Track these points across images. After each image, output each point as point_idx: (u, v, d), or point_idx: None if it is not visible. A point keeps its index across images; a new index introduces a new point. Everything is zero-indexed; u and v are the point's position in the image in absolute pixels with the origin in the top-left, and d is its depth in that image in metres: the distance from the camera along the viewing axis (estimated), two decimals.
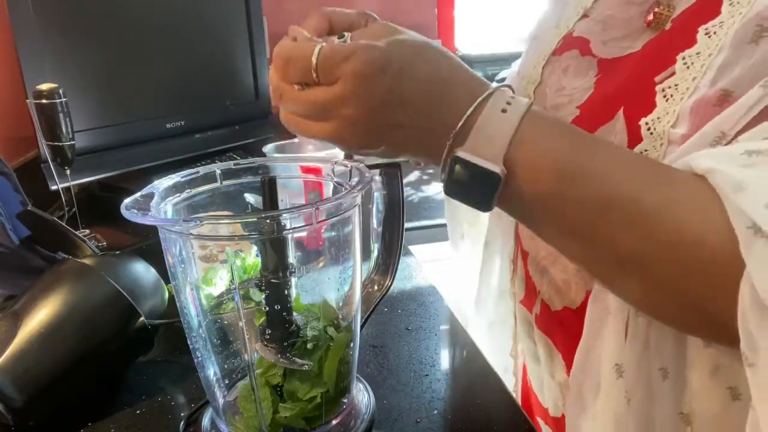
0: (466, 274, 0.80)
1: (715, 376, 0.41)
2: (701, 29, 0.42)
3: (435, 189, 1.40)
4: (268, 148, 0.92)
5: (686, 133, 0.40)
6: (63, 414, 0.51)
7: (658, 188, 0.36)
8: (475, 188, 0.38)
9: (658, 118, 0.42)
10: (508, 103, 0.38)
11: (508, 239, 0.66)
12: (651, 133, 0.42)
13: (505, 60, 1.24)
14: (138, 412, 0.52)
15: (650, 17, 0.48)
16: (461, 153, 0.37)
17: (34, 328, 0.50)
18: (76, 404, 0.52)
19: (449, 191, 0.40)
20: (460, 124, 0.38)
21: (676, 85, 0.42)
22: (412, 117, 0.39)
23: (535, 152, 0.37)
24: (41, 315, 0.51)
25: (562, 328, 0.56)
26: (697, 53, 0.42)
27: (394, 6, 1.80)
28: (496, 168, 0.36)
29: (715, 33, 0.41)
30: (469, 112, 0.38)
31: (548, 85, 0.55)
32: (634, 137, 0.43)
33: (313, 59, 0.38)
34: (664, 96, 0.42)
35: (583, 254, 0.39)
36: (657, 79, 0.44)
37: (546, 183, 0.37)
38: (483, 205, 0.39)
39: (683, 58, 0.42)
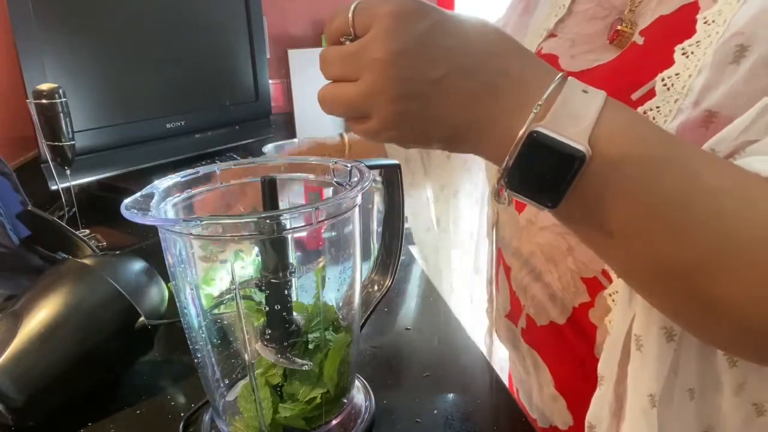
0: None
1: (740, 393, 0.41)
2: (677, 49, 0.42)
3: None
4: (268, 148, 0.92)
5: None
6: (63, 414, 0.51)
7: (735, 193, 0.33)
8: (552, 172, 0.33)
9: None
10: (585, 88, 0.34)
11: (487, 262, 0.67)
12: None
13: None
14: (138, 412, 0.52)
15: (612, 35, 0.49)
16: (542, 129, 0.33)
17: (34, 328, 0.50)
18: (76, 404, 0.52)
19: (516, 176, 0.34)
20: (544, 96, 0.33)
21: (657, 108, 0.42)
22: (456, 74, 0.34)
23: (620, 135, 0.33)
24: (41, 315, 0.51)
25: (548, 342, 0.56)
26: (677, 74, 0.41)
27: None
28: (581, 147, 0.32)
29: (692, 53, 0.41)
30: (553, 86, 0.34)
31: None
32: None
33: (351, 7, 0.37)
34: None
35: (641, 267, 0.35)
36: (633, 97, 0.44)
37: (630, 168, 0.33)
38: (554, 193, 0.34)
39: (662, 80, 0.42)
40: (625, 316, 0.43)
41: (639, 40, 0.47)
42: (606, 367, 0.45)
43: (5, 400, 0.48)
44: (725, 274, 0.32)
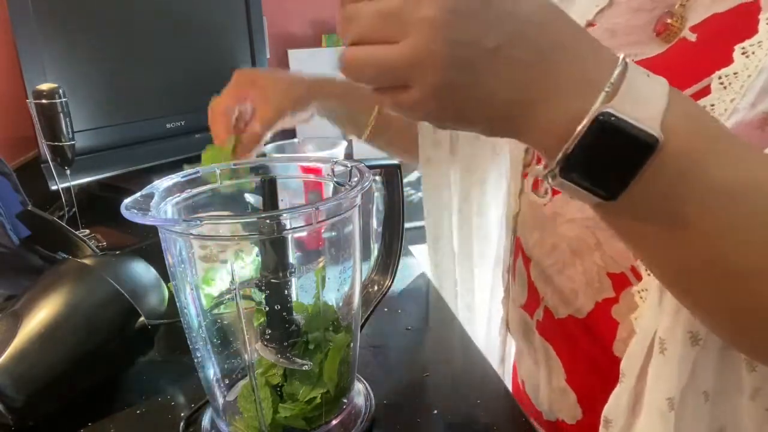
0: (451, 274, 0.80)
1: (755, 398, 0.40)
2: (737, 48, 0.40)
3: None
4: (268, 148, 0.92)
5: None
6: (63, 414, 0.51)
7: None
8: (619, 159, 0.30)
9: None
10: (648, 73, 0.32)
11: (505, 251, 0.66)
12: None
13: None
14: (138, 412, 0.52)
15: (660, 27, 0.48)
16: (613, 111, 0.30)
17: (34, 328, 0.50)
18: (76, 404, 0.52)
19: (577, 163, 0.31)
20: (615, 74, 0.31)
21: (712, 105, 0.40)
22: (511, 44, 0.31)
23: (690, 124, 0.31)
24: (41, 315, 0.51)
25: (564, 335, 0.56)
26: (735, 73, 0.40)
27: None
28: (655, 132, 0.30)
29: (753, 53, 0.40)
30: (620, 67, 0.31)
31: None
32: None
33: None
34: None
35: (704, 256, 0.33)
36: (686, 94, 0.42)
37: (700, 159, 0.31)
38: (617, 183, 0.31)
39: (719, 78, 0.40)
40: (654, 316, 0.42)
41: (690, 36, 0.46)
42: (629, 364, 0.44)
43: (5, 400, 0.48)
44: None
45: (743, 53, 0.40)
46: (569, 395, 0.56)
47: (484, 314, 0.79)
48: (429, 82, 0.32)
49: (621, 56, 0.32)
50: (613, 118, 0.30)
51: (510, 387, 0.71)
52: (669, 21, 0.47)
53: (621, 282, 0.49)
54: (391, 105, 0.34)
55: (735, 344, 0.39)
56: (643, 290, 0.46)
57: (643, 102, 0.31)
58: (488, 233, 0.78)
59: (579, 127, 0.30)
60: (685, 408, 0.41)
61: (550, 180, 0.33)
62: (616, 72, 0.31)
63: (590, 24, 0.55)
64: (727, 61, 0.41)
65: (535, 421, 0.62)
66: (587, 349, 0.53)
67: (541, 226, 0.56)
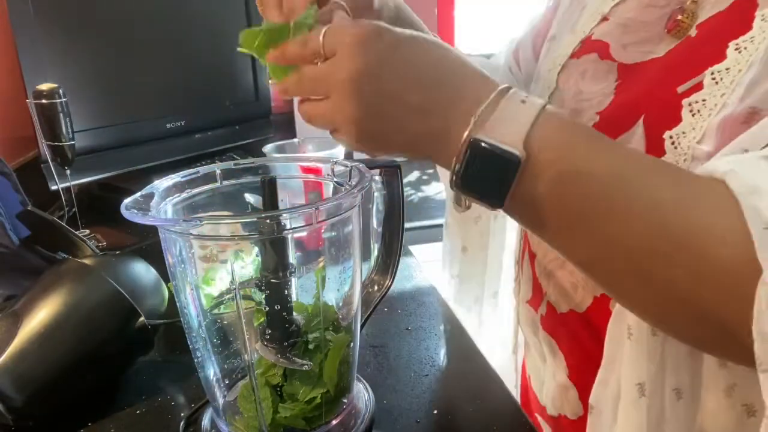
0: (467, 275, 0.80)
1: (731, 395, 0.41)
2: (731, 44, 0.41)
3: (435, 189, 1.40)
4: (268, 148, 0.92)
5: (711, 150, 0.39)
6: (63, 414, 0.51)
7: (675, 187, 0.35)
8: (492, 175, 0.37)
9: (684, 132, 0.41)
10: (524, 99, 0.38)
11: (516, 242, 0.66)
12: (675, 148, 0.41)
13: None
14: (138, 412, 0.52)
15: (671, 24, 0.48)
16: (480, 136, 0.36)
17: (34, 328, 0.50)
18: (76, 404, 0.52)
19: (465, 180, 0.38)
20: (482, 107, 0.37)
21: (704, 101, 0.41)
22: (411, 89, 0.39)
23: (554, 139, 0.37)
24: (41, 315, 0.51)
25: (566, 330, 0.56)
26: (727, 69, 0.41)
27: None
28: (515, 150, 0.36)
29: (745, 48, 0.40)
30: (492, 96, 0.37)
31: (565, 89, 0.54)
32: (655, 149, 0.43)
33: (322, 31, 0.41)
34: (691, 111, 0.42)
35: (591, 256, 0.38)
36: (680, 89, 0.43)
37: (565, 171, 0.36)
38: (497, 195, 0.37)
39: (712, 74, 0.41)
40: None
41: (693, 33, 0.46)
42: (609, 350, 0.45)
43: (5, 399, 0.48)
44: (663, 271, 0.34)
45: (736, 49, 0.41)
46: (572, 391, 0.57)
47: (504, 309, 0.79)
48: (346, 130, 0.41)
49: (501, 87, 0.38)
50: (482, 143, 0.36)
51: (519, 380, 0.71)
52: (680, 18, 0.47)
53: None
54: (337, 140, 0.44)
55: (671, 333, 0.40)
56: None
57: (510, 124, 0.37)
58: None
59: (460, 151, 0.37)
60: (656, 399, 0.42)
61: (460, 193, 0.39)
62: (486, 102, 0.37)
63: (604, 18, 0.54)
64: (721, 57, 0.41)
65: (540, 416, 0.63)
66: (588, 344, 0.54)
67: None
